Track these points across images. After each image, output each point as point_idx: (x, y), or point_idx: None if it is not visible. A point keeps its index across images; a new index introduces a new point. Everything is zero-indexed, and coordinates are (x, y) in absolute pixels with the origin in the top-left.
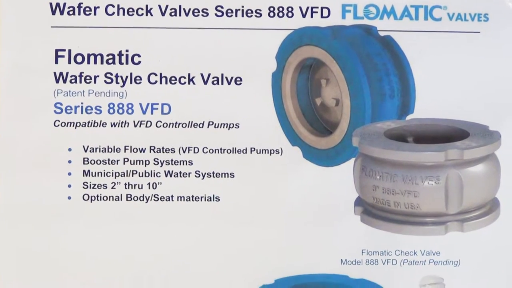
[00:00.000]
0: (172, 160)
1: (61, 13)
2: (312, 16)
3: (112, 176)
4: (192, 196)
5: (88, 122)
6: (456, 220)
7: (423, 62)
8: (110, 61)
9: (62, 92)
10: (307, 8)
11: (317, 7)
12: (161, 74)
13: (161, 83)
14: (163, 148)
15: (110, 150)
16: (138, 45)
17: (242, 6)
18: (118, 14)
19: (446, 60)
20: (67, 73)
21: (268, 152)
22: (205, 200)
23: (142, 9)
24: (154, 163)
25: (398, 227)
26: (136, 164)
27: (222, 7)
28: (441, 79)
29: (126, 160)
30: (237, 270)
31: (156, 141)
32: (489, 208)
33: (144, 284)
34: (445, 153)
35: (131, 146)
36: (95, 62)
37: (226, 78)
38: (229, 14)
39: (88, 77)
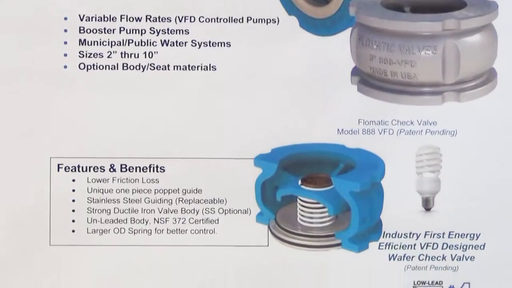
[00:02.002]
0: (168, 29)
1: None
2: None
3: (108, 45)
4: (188, 65)
5: None
6: (453, 90)
7: None
8: None
9: None
10: None
11: None
12: None
13: None
14: (159, 17)
15: (106, 19)
16: None
17: None
18: None
19: None
20: None
21: (264, 22)
22: (201, 69)
23: None
24: (150, 32)
25: (394, 97)
26: (132, 33)
27: None
28: None
29: (122, 29)
30: (233, 140)
31: (152, 10)
32: (486, 78)
33: (137, 151)
34: (442, 23)
35: (127, 15)
36: None
37: None
38: None
39: None
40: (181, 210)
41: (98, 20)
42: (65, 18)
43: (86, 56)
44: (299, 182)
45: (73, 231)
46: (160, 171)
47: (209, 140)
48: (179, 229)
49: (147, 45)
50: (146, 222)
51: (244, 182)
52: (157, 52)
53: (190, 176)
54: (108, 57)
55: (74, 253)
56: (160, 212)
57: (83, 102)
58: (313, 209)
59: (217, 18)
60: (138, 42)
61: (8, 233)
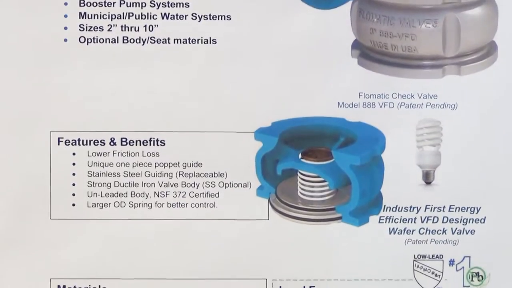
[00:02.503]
0: (168, 2)
1: None
2: None
3: (108, 18)
4: (189, 39)
5: None
6: (454, 63)
7: None
8: None
9: None
10: None
11: None
12: None
13: None
14: None
15: None
16: None
17: None
18: None
19: None
20: None
21: None
22: (201, 42)
23: None
24: (150, 5)
25: (395, 70)
26: (132, 6)
27: None
28: None
29: (122, 2)
30: (234, 113)
31: None
32: (487, 52)
33: (138, 124)
34: None
35: None
36: None
37: None
38: None
39: None
40: (182, 184)
41: None
42: None
43: (86, 30)
44: (300, 156)
45: (73, 205)
46: (161, 145)
47: (210, 114)
48: (180, 203)
49: (147, 18)
50: (147, 196)
51: (245, 155)
52: (157, 25)
53: (190, 149)
54: (109, 30)
55: (74, 227)
56: (160, 186)
57: (83, 75)
58: (314, 182)
59: None
60: (139, 15)
61: (9, 207)
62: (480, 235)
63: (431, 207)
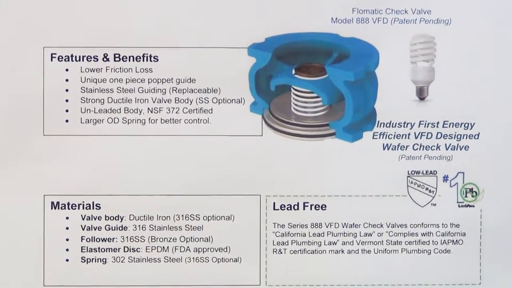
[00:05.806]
0: None
1: None
2: None
3: None
4: None
5: None
6: None
7: None
8: None
9: None
10: None
11: None
12: None
13: None
14: None
15: None
16: None
17: None
18: None
19: None
20: None
21: None
22: None
23: None
24: None
25: None
26: None
27: None
28: None
29: None
30: (228, 29)
31: None
32: None
33: (131, 40)
34: None
35: None
36: None
37: None
38: None
39: None
40: (175, 100)
41: None
42: None
43: None
44: (293, 72)
45: (67, 121)
46: (154, 61)
47: (203, 29)
48: (173, 119)
49: None
50: (140, 112)
51: (238, 71)
52: None
53: (183, 65)
54: None
55: (67, 143)
56: (153, 102)
57: None
58: (307, 98)
59: None
60: None
61: (1, 124)
62: (474, 150)
63: (425, 123)
